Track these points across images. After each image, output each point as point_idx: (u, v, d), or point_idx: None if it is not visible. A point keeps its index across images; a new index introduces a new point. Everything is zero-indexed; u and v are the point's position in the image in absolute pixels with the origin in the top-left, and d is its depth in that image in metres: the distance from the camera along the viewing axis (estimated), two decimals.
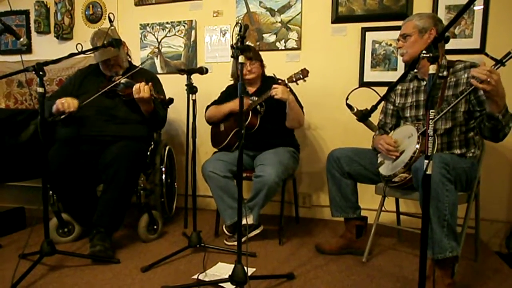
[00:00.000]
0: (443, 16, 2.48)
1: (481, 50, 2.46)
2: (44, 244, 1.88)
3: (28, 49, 3.47)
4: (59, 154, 2.17)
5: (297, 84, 2.25)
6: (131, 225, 2.46)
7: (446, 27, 1.26)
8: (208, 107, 2.63)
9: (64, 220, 2.32)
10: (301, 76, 2.21)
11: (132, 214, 2.44)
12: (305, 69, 2.21)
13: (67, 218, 2.34)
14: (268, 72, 2.57)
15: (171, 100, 2.31)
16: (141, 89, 2.20)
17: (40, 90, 1.82)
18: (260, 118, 2.41)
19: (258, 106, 2.40)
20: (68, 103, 2.15)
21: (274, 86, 2.22)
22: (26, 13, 3.48)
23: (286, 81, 2.24)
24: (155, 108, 2.35)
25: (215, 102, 2.61)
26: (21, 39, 2.06)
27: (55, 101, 2.22)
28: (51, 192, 2.27)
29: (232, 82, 2.66)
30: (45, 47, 3.46)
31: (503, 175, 2.54)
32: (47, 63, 1.85)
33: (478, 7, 2.47)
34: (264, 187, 2.17)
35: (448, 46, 1.85)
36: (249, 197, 2.29)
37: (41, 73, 1.80)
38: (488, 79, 1.48)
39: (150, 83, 2.26)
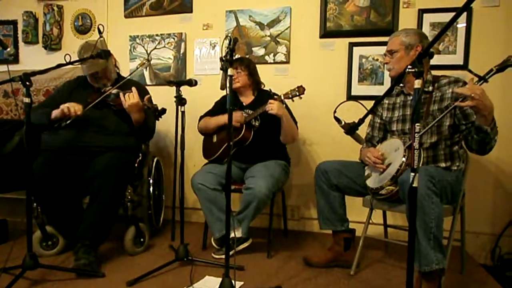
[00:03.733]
0: (428, 32, 2.54)
1: (464, 66, 2.53)
2: (26, 258, 1.84)
3: (15, 59, 3.43)
4: (45, 165, 2.13)
5: (293, 101, 2.27)
6: (117, 237, 2.42)
7: (430, 43, 1.30)
8: (201, 117, 2.63)
9: (48, 232, 2.28)
10: (297, 93, 2.23)
11: (119, 227, 2.40)
12: (301, 86, 2.23)
13: (51, 231, 2.29)
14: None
15: (164, 110, 2.30)
16: (130, 97, 2.22)
17: (27, 100, 1.80)
18: (254, 132, 2.42)
19: (253, 120, 2.41)
20: (74, 108, 2.15)
21: (270, 101, 2.23)
22: (14, 23, 3.46)
23: (282, 97, 2.26)
24: (146, 118, 2.34)
25: (209, 112, 2.62)
26: (8, 49, 2.04)
27: (49, 109, 2.21)
28: (35, 204, 2.23)
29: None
30: (33, 58, 3.43)
31: (487, 188, 2.58)
32: (34, 73, 1.84)
33: (461, 25, 2.55)
34: (254, 199, 2.17)
35: (432, 62, 1.91)
36: (238, 210, 2.28)
37: (27, 83, 1.78)
38: (471, 94, 1.52)
39: (147, 96, 2.26)
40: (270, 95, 2.35)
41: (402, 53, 1.93)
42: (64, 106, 2.16)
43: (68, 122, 2.15)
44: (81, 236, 2.08)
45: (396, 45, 1.95)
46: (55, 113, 2.20)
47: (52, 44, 3.32)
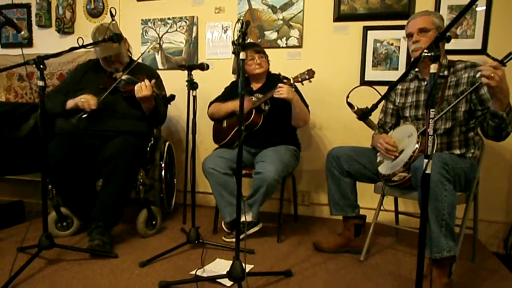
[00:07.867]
0: (446, 16, 2.47)
1: (482, 51, 2.46)
2: (42, 238, 1.89)
3: (29, 43, 3.46)
4: (59, 148, 2.17)
5: (303, 84, 2.26)
6: (130, 220, 2.46)
7: (447, 26, 1.26)
8: (211, 103, 2.63)
9: (63, 214, 2.33)
10: (307, 77, 2.21)
11: (131, 209, 2.44)
12: (311, 69, 2.21)
13: (66, 212, 2.34)
14: (271, 70, 2.57)
15: (172, 97, 2.30)
16: (143, 88, 2.21)
17: (41, 83, 1.82)
18: (264, 116, 2.41)
19: (263, 104, 2.40)
20: (88, 102, 2.16)
21: (280, 85, 2.22)
22: (27, 6, 3.47)
23: (292, 81, 2.24)
24: (156, 105, 2.35)
25: (218, 98, 2.61)
26: (22, 32, 2.05)
27: (65, 97, 2.24)
28: (50, 186, 2.27)
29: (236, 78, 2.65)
30: (46, 41, 3.45)
31: (502, 176, 2.54)
32: (48, 56, 1.85)
33: (480, 8, 2.47)
34: (263, 184, 2.17)
35: (450, 46, 1.85)
36: (248, 194, 2.29)
37: (41, 66, 1.80)
38: (492, 74, 1.47)
39: (153, 80, 2.26)
40: (279, 78, 2.33)
41: (434, 33, 1.85)
42: (78, 100, 2.18)
43: (84, 116, 2.16)
44: (95, 218, 2.12)
45: (430, 24, 1.87)
46: (69, 103, 2.23)
47: (65, 27, 3.33)
